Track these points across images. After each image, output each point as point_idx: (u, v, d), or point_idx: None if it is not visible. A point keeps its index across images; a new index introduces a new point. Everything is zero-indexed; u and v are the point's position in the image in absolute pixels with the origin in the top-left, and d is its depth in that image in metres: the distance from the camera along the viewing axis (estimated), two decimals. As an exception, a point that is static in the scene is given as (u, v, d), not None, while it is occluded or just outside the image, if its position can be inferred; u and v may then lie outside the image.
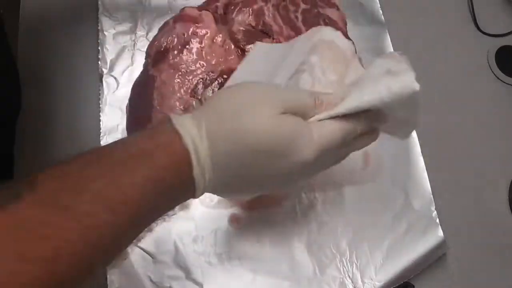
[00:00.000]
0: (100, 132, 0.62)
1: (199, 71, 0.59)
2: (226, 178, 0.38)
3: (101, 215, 0.33)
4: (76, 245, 0.32)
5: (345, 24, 0.64)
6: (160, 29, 0.63)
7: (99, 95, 0.64)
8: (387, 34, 0.68)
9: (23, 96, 0.65)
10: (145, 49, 0.66)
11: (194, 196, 0.38)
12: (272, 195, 0.60)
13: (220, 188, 0.39)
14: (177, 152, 0.36)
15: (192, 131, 0.36)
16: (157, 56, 0.60)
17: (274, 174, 0.39)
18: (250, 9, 0.62)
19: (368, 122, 0.42)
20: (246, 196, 0.44)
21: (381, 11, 0.69)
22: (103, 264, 0.38)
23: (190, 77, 0.58)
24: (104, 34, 0.67)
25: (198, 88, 0.58)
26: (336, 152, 0.41)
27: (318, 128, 0.39)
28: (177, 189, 0.37)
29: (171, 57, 0.59)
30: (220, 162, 0.37)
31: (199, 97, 0.57)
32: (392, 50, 0.67)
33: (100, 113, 0.63)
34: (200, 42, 0.60)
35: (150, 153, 0.35)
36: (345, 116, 0.40)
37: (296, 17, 0.63)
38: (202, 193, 0.38)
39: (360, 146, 0.44)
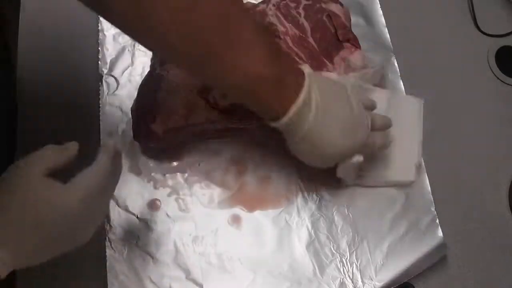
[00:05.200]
0: (100, 132, 0.63)
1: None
2: None
3: None
4: None
5: (349, 19, 0.64)
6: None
7: (99, 95, 0.64)
8: (387, 34, 0.68)
9: (23, 97, 0.65)
10: (145, 49, 0.66)
11: None
12: (272, 195, 0.61)
13: None
14: None
15: None
16: (164, 56, 0.60)
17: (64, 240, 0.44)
18: (254, 11, 0.62)
19: None
20: None
21: (381, 12, 0.69)
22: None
23: (198, 77, 0.58)
24: (104, 34, 0.67)
25: (205, 89, 0.57)
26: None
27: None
28: None
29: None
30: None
31: (207, 97, 0.57)
32: (392, 50, 0.67)
33: (100, 113, 0.63)
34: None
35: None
36: None
37: (299, 13, 0.63)
38: None
39: None
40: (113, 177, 0.47)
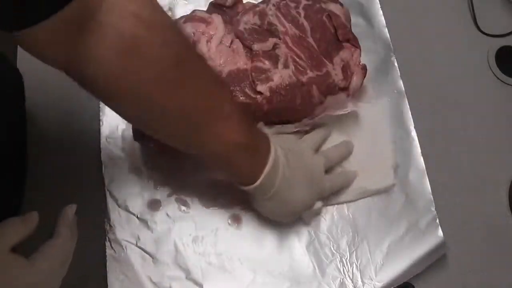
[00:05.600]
0: (100, 132, 0.63)
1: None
2: None
3: None
4: None
5: (349, 19, 0.64)
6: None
7: (99, 95, 0.64)
8: (387, 34, 0.68)
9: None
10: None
11: None
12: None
13: None
14: None
15: None
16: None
17: None
18: (253, 11, 0.62)
19: None
20: None
21: (381, 11, 0.69)
22: None
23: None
24: (104, 34, 0.67)
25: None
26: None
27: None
28: None
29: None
30: None
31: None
32: (392, 50, 0.67)
33: (100, 113, 0.63)
34: (208, 42, 0.60)
35: None
36: None
37: (298, 13, 0.63)
38: None
39: None
40: (72, 243, 0.48)
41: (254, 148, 0.49)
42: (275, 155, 0.51)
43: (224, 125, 0.46)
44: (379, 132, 0.63)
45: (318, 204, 0.57)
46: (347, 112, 0.61)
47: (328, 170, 0.59)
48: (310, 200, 0.56)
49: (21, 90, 0.63)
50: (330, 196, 0.60)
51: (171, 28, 0.43)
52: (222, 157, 0.48)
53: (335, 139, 0.62)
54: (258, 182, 0.50)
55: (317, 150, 0.60)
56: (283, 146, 0.54)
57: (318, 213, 0.59)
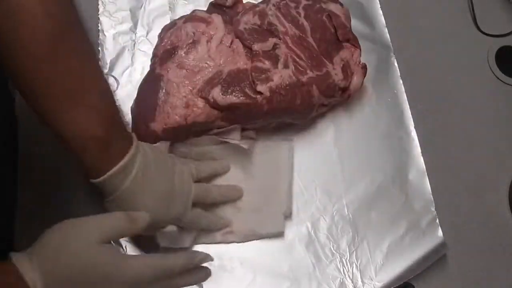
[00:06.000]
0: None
1: (206, 71, 0.58)
2: None
3: None
4: None
5: (349, 19, 0.64)
6: (166, 29, 0.63)
7: (99, 95, 0.64)
8: (387, 34, 0.68)
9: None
10: (145, 49, 0.66)
11: None
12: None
13: None
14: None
15: (29, 271, 0.40)
16: (164, 55, 0.60)
17: None
18: (253, 11, 0.62)
19: (190, 262, 0.48)
20: None
21: (381, 11, 0.69)
22: None
23: (198, 77, 0.58)
24: (104, 34, 0.67)
25: (205, 88, 0.57)
26: (154, 285, 0.45)
27: (133, 262, 0.44)
28: None
29: (178, 56, 0.59)
30: None
31: (207, 97, 0.57)
32: (392, 50, 0.67)
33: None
34: (208, 42, 0.60)
35: None
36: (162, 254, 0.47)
37: (298, 13, 0.63)
38: None
39: (186, 283, 0.49)
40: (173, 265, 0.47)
41: (108, 144, 0.47)
42: (132, 159, 0.48)
43: (84, 113, 0.45)
44: (278, 175, 0.60)
45: (171, 227, 0.52)
46: (242, 146, 0.58)
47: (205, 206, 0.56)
48: (159, 218, 0.51)
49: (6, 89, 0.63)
50: (206, 234, 0.58)
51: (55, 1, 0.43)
52: (76, 143, 0.46)
53: (232, 174, 0.60)
54: (102, 178, 0.47)
55: (197, 179, 0.56)
56: (149, 157, 0.50)
57: (173, 236, 0.54)
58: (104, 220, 0.45)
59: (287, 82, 0.58)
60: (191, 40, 0.60)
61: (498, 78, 0.69)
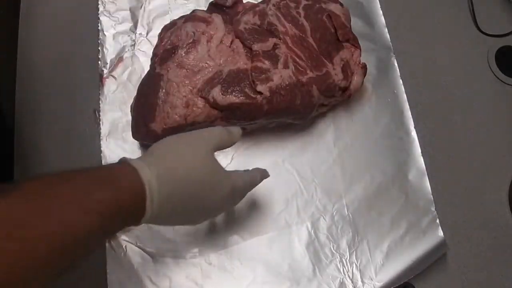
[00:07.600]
0: (100, 132, 0.63)
1: (206, 71, 0.58)
2: (169, 211, 0.45)
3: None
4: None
5: (349, 19, 0.64)
6: (166, 29, 0.63)
7: (99, 95, 0.64)
8: (387, 34, 0.68)
9: (23, 96, 0.65)
10: (145, 49, 0.67)
11: (137, 223, 0.44)
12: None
13: (162, 219, 0.46)
14: (135, 186, 0.42)
15: (146, 172, 0.43)
16: (164, 55, 0.60)
17: (206, 205, 0.47)
18: (254, 11, 0.62)
19: (264, 176, 0.54)
20: (186, 224, 0.52)
21: (381, 11, 0.69)
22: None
23: (198, 77, 0.58)
24: (104, 34, 0.67)
25: (205, 88, 0.57)
26: (242, 194, 0.52)
27: (234, 176, 0.49)
28: (128, 216, 0.43)
29: (178, 56, 0.59)
30: (165, 199, 0.44)
31: (207, 96, 0.57)
32: (392, 50, 0.67)
33: (101, 113, 0.63)
34: (208, 42, 0.60)
35: (111, 181, 0.42)
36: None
37: (298, 13, 0.63)
38: (145, 222, 0.44)
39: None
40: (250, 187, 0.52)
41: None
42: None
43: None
44: None
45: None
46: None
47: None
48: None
49: None
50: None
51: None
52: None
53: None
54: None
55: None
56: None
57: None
58: (213, 133, 0.49)
59: (287, 82, 0.58)
60: (191, 40, 0.60)
61: (498, 78, 0.69)
